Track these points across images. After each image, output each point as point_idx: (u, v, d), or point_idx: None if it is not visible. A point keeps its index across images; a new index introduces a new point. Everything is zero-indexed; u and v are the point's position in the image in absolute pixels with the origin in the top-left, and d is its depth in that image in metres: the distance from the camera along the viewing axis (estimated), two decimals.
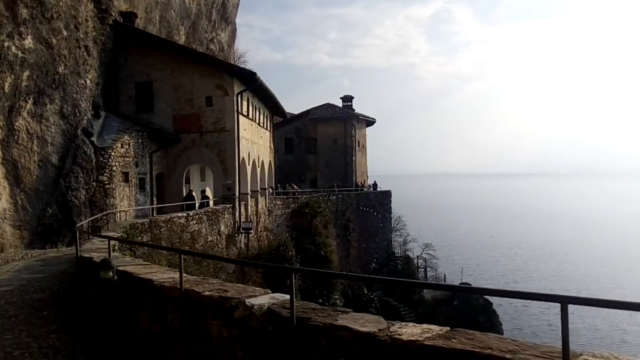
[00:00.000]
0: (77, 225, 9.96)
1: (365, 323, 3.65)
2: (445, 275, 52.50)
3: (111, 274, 5.80)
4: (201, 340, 4.76)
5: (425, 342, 3.16)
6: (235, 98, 23.40)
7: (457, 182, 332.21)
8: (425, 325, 3.58)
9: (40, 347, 5.83)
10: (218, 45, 43.16)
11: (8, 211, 15.65)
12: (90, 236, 10.85)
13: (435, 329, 3.46)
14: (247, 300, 4.45)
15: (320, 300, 30.84)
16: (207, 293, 4.85)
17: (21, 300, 8.16)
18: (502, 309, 42.11)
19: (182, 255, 5.43)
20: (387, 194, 50.14)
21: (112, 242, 7.80)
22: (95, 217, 13.34)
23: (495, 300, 40.04)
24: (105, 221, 14.63)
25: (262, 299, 4.53)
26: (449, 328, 3.46)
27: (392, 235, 50.78)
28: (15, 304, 7.94)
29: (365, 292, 40.00)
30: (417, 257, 52.16)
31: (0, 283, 9.88)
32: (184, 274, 5.40)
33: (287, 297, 4.32)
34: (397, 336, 3.31)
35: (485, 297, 38.31)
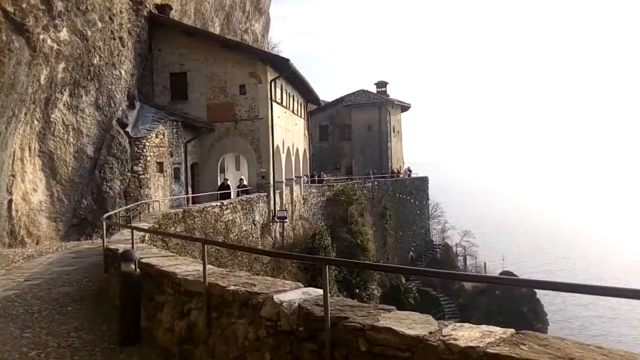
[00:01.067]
0: (105, 215, 9.77)
1: (413, 324, 3.14)
2: (485, 264, 51.22)
3: (133, 266, 5.49)
4: (225, 342, 4.33)
5: (488, 350, 2.62)
6: (268, 86, 23.07)
7: (488, 168, 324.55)
8: (484, 327, 3.00)
9: (59, 347, 5.59)
10: (252, 35, 43.00)
11: (44, 203, 15.76)
12: (120, 228, 10.68)
13: (498, 331, 2.89)
14: (275, 296, 3.99)
15: (357, 291, 30.38)
16: (231, 287, 4.38)
17: (48, 295, 8.02)
18: (547, 299, 40.61)
19: (206, 246, 4.87)
20: (424, 180, 49.18)
21: (138, 233, 7.53)
22: (127, 207, 13.23)
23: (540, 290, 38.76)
24: (138, 212, 14.54)
25: (293, 295, 4.05)
26: (513, 331, 2.87)
27: (430, 223, 49.78)
28: (42, 298, 7.80)
29: (403, 281, 39.33)
30: (456, 244, 51.08)
31: (31, 276, 9.82)
32: (211, 266, 4.99)
33: (321, 292, 3.81)
34: (452, 341, 2.79)
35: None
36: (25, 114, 14.65)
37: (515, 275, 39.37)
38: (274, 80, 23.64)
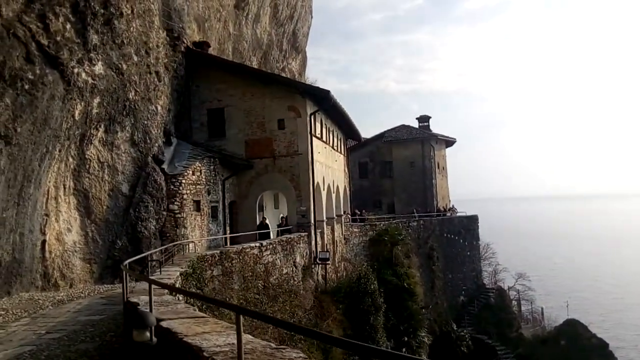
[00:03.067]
0: (132, 259, 8.73)
1: None
2: (543, 309, 47.94)
3: (148, 334, 4.36)
4: None
5: None
6: (308, 119, 22.23)
7: (525, 206, 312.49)
8: None
9: None
10: (289, 73, 42.80)
11: (78, 244, 15.02)
12: (140, 278, 9.61)
13: None
14: None
15: (406, 339, 28.44)
16: None
17: (65, 352, 6.98)
18: (623, 351, 36.85)
19: (242, 316, 3.48)
20: (474, 219, 46.91)
21: (169, 278, 6.40)
22: (160, 248, 12.25)
23: (613, 340, 35.32)
24: (171, 254, 13.53)
25: None
26: None
27: (481, 265, 47.18)
28: (58, 357, 6.75)
29: (455, 328, 36.97)
30: (509, 288, 48.07)
31: (54, 327, 8.84)
32: (251, 339, 3.71)
33: None
34: None
35: (599, 336, 33.84)
36: (60, 151, 14.08)
37: (582, 324, 36.29)
38: (313, 113, 22.80)
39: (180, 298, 7.03)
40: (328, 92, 21.83)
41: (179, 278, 9.64)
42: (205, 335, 4.21)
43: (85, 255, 15.22)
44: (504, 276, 49.88)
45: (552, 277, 73.17)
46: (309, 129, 22.24)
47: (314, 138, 22.78)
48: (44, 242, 14.15)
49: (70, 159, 14.77)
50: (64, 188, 14.81)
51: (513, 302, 46.25)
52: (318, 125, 24.07)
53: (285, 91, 22.31)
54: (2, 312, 10.37)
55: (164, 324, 4.70)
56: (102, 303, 11.46)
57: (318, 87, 21.90)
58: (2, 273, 12.08)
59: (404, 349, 28.11)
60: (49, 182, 14.10)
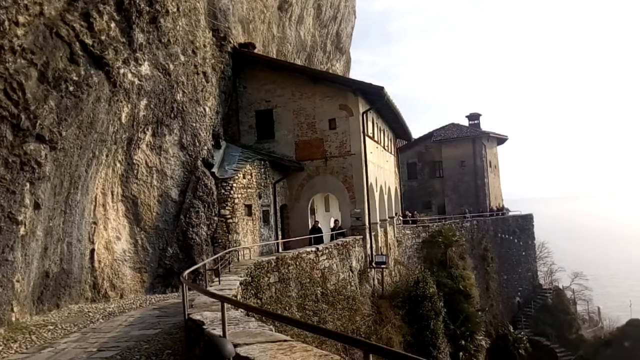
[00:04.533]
0: (188, 271, 7.81)
1: None
2: (599, 309, 45.37)
3: None
4: None
5: None
6: (360, 118, 21.16)
7: (575, 205, 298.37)
8: None
9: None
10: None
11: (128, 252, 14.40)
12: (208, 282, 8.74)
13: None
14: None
15: (463, 342, 27.13)
16: None
17: None
18: None
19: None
20: (528, 218, 44.70)
21: (230, 290, 5.43)
22: (215, 257, 11.37)
23: None
24: (227, 261, 12.66)
25: None
26: None
27: (537, 265, 44.95)
28: None
29: (512, 330, 35.15)
30: (564, 288, 45.72)
31: (106, 344, 8.08)
32: None
33: None
34: None
35: None
36: (107, 156, 13.48)
37: None
38: (365, 112, 21.71)
39: (241, 312, 6.04)
40: (382, 88, 20.67)
41: (239, 288, 8.72)
42: None
43: (136, 264, 14.59)
44: (559, 276, 47.57)
45: (608, 277, 69.51)
46: (361, 128, 21.17)
47: (366, 137, 21.68)
48: (92, 251, 13.58)
49: (118, 164, 14.18)
50: (112, 195, 14.23)
51: (571, 302, 43.86)
52: (370, 124, 22.95)
53: (336, 89, 21.29)
54: (51, 327, 9.72)
55: (241, 350, 3.72)
56: (155, 315, 10.70)
57: (371, 84, 20.77)
58: (50, 285, 11.50)
59: (461, 354, 26.69)
60: (96, 188, 13.53)
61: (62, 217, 11.77)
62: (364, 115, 21.54)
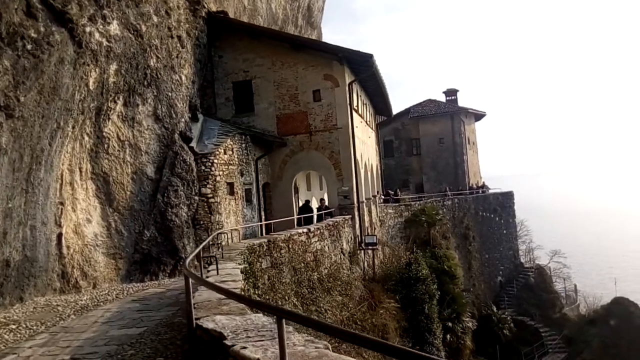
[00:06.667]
0: (187, 261, 6.27)
1: None
2: (576, 286, 45.59)
3: None
4: None
5: None
6: (347, 89, 19.80)
7: (536, 182, 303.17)
8: None
9: None
10: None
11: (100, 236, 12.82)
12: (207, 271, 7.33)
13: None
14: None
15: (450, 324, 26.46)
16: None
17: None
18: None
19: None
20: (509, 196, 44.29)
21: (228, 301, 4.02)
22: (206, 241, 9.87)
23: None
24: (217, 245, 11.22)
25: None
26: None
27: (518, 243, 44.75)
28: None
29: (495, 310, 34.79)
30: (544, 266, 45.74)
31: (80, 348, 6.66)
32: None
33: None
34: None
35: None
36: (73, 127, 11.80)
37: (633, 302, 33.91)
38: (351, 83, 20.36)
39: (264, 315, 4.60)
40: (371, 55, 19.29)
41: (241, 277, 7.35)
42: None
43: (109, 249, 13.03)
44: (538, 254, 47.61)
45: (582, 254, 70.53)
46: (347, 100, 19.83)
47: (352, 111, 20.37)
48: (59, 235, 11.96)
49: (86, 137, 12.52)
50: (80, 172, 12.58)
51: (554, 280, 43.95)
52: (355, 96, 21.63)
53: (320, 58, 19.83)
54: (14, 327, 8.19)
55: None
56: (136, 309, 9.26)
57: (359, 51, 19.37)
58: (11, 275, 9.90)
59: (448, 336, 26.05)
60: (62, 164, 11.87)
61: (24, 197, 10.14)
62: (350, 86, 20.19)
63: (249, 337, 3.84)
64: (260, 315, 4.32)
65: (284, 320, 3.02)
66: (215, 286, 4.43)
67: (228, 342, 3.51)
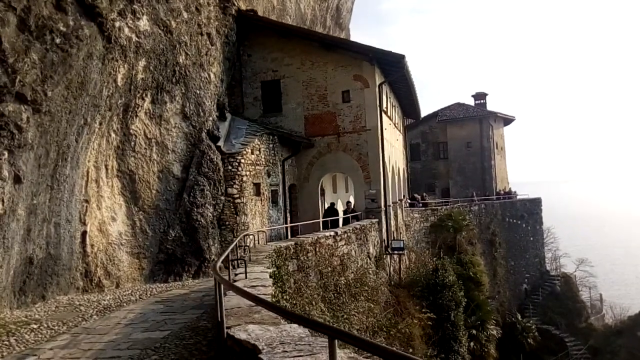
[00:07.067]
0: (218, 264, 5.91)
1: None
2: (601, 296, 44.33)
3: None
4: None
5: None
6: (377, 90, 19.37)
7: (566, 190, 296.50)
8: None
9: None
10: None
11: (124, 235, 12.63)
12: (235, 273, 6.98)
13: None
14: None
15: (475, 332, 25.73)
16: None
17: None
18: None
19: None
20: (537, 202, 43.26)
21: (259, 308, 3.66)
22: (234, 243, 9.53)
23: None
24: (244, 248, 10.90)
25: None
26: None
27: (544, 251, 43.69)
28: None
29: (520, 318, 33.91)
30: (568, 275, 44.54)
31: (102, 353, 6.37)
32: None
33: None
34: None
35: None
36: (100, 124, 11.64)
37: None
38: (381, 84, 19.92)
39: (299, 327, 4.23)
40: (403, 56, 18.82)
41: (270, 282, 7.01)
42: None
43: (133, 248, 12.84)
44: (563, 262, 46.43)
45: (610, 263, 68.68)
46: (377, 101, 19.39)
47: (382, 112, 19.92)
48: (84, 233, 11.80)
49: (113, 135, 12.36)
50: (106, 169, 12.42)
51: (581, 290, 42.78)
52: (384, 98, 21.17)
53: (350, 58, 19.41)
54: (35, 326, 7.99)
55: None
56: (159, 311, 9.00)
57: (391, 51, 18.89)
58: (34, 273, 9.74)
59: (472, 344, 25.34)
60: (88, 161, 11.72)
61: (49, 194, 9.98)
62: (380, 87, 19.75)
63: (286, 351, 3.50)
64: (296, 326, 3.96)
65: (336, 341, 2.65)
66: (252, 296, 4.07)
67: (264, 357, 3.15)
